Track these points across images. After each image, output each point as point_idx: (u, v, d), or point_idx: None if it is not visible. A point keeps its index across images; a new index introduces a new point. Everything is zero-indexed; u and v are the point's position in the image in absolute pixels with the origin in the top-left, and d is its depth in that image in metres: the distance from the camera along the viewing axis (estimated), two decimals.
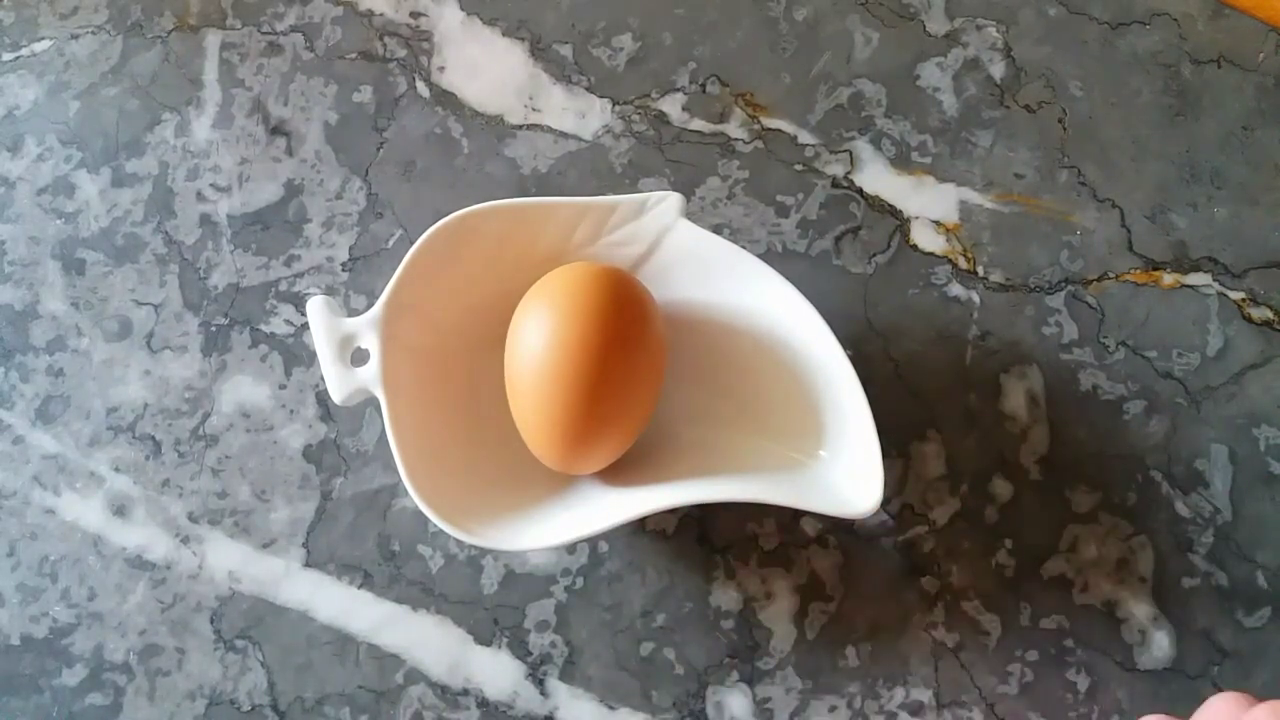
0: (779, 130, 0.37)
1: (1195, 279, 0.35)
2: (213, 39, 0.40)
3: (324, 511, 0.34)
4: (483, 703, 0.33)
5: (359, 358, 0.30)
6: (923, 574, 0.33)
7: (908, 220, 0.36)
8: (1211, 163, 0.36)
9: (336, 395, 0.29)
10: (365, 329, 0.30)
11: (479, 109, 0.38)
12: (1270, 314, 0.34)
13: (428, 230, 0.30)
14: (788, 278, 0.30)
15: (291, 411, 0.35)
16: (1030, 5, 0.38)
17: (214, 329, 0.37)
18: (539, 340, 0.28)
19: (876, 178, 0.36)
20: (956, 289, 0.35)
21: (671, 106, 0.38)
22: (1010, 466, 0.33)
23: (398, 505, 0.34)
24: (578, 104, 0.38)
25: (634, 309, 0.29)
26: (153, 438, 0.36)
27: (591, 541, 0.34)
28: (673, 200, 0.31)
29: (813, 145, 0.37)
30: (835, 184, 0.36)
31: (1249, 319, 0.34)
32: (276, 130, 0.38)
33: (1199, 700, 0.24)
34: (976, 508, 0.33)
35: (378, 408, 0.30)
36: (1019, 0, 0.38)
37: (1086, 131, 0.36)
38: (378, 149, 0.38)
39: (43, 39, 0.40)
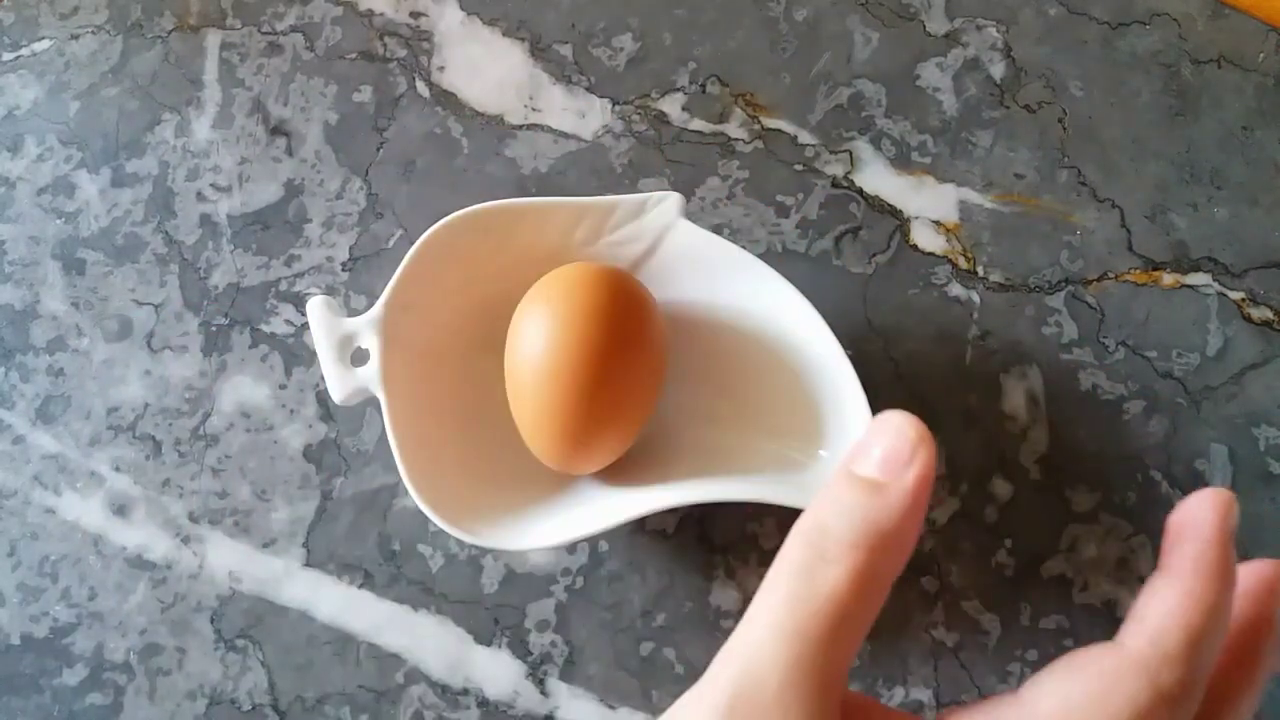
0: (779, 130, 0.37)
1: (1195, 279, 0.35)
2: (213, 39, 0.40)
3: (324, 511, 0.34)
4: (483, 702, 0.33)
5: (359, 358, 0.30)
6: (923, 574, 0.33)
7: (908, 220, 0.36)
8: (1211, 163, 0.36)
9: (336, 395, 0.29)
10: (365, 329, 0.30)
11: (479, 109, 0.38)
12: (1270, 314, 0.34)
13: (428, 230, 0.30)
14: (788, 278, 0.30)
15: (291, 411, 0.35)
16: (1030, 5, 0.38)
17: (214, 329, 0.37)
18: (539, 340, 0.28)
19: (876, 178, 0.36)
20: (956, 289, 0.35)
21: (671, 106, 0.38)
22: (1010, 466, 0.33)
23: (398, 505, 0.34)
24: (578, 104, 0.38)
25: (634, 309, 0.29)
26: (153, 438, 0.36)
27: (591, 541, 0.34)
28: (673, 200, 0.31)
29: (813, 145, 0.37)
30: (835, 184, 0.36)
31: (1249, 319, 0.34)
32: (276, 130, 0.38)
33: None
34: (976, 508, 0.33)
35: (378, 408, 0.30)
36: (1019, 0, 0.38)
37: (1086, 131, 0.36)
38: (378, 149, 0.38)
39: (43, 39, 0.40)
